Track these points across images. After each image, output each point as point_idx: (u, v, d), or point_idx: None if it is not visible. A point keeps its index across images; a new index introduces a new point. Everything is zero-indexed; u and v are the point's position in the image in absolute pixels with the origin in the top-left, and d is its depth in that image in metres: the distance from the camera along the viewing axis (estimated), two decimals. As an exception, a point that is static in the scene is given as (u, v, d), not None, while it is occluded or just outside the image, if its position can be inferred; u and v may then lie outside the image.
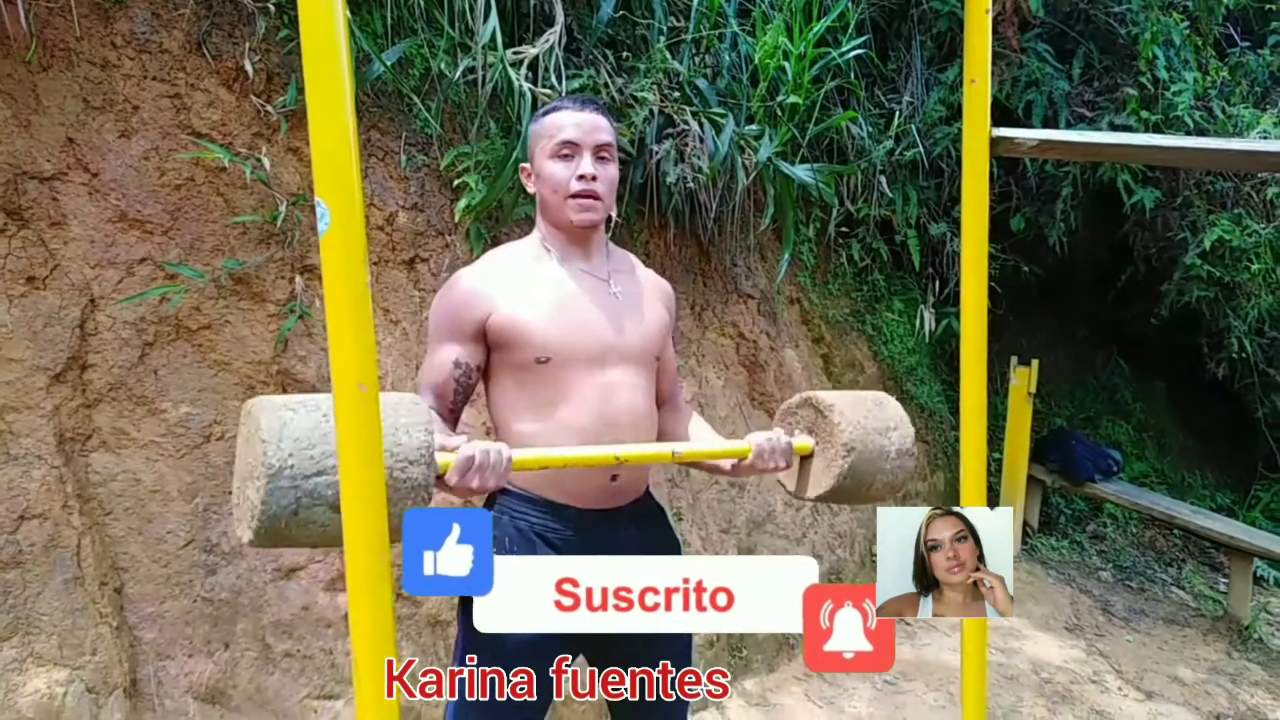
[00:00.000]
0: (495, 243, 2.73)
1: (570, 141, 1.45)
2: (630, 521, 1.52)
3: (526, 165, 1.55)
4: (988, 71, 1.84)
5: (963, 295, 1.84)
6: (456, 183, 2.59)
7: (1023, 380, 4.53)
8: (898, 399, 1.60)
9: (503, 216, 2.68)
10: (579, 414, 1.43)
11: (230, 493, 2.35)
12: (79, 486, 2.11)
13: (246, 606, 2.27)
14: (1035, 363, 4.55)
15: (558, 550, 1.45)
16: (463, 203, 2.54)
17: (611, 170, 1.50)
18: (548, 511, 1.46)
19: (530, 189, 1.54)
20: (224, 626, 2.24)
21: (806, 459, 1.49)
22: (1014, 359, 4.57)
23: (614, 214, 2.68)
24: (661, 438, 1.63)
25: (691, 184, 2.94)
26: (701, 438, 1.61)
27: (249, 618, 2.27)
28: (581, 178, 1.44)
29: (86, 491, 2.13)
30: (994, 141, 1.96)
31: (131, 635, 2.15)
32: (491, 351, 1.48)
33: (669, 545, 1.64)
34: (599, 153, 1.46)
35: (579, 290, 1.48)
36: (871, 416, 1.46)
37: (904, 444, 1.47)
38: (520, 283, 1.47)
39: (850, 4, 3.51)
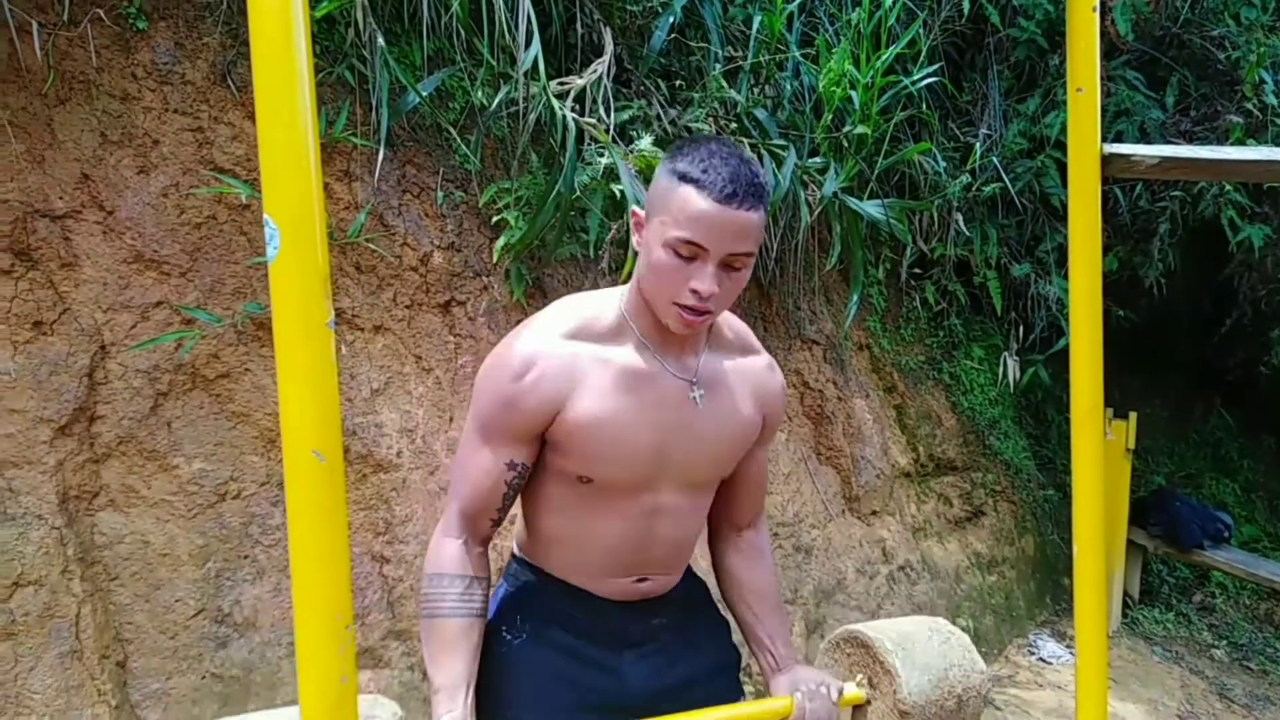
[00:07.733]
0: (536, 285, 2.52)
1: (696, 245, 1.09)
2: (664, 610, 1.34)
3: (638, 210, 1.19)
4: (1096, 79, 1.55)
5: (1072, 338, 1.54)
6: (495, 220, 2.40)
7: (1119, 435, 4.11)
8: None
9: (545, 256, 2.47)
10: (611, 532, 1.24)
11: (245, 556, 2.18)
12: (81, 549, 1.94)
13: (260, 684, 2.06)
14: (1133, 415, 4.13)
15: (576, 632, 1.29)
16: (501, 241, 2.35)
17: (741, 278, 1.14)
18: (569, 595, 1.30)
19: (635, 242, 1.20)
20: (235, 706, 2.03)
21: (859, 708, 1.30)
22: (1109, 411, 4.15)
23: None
24: (722, 574, 1.41)
25: (751, 221, 2.71)
26: (759, 614, 1.37)
27: (262, 696, 2.06)
28: (695, 292, 1.10)
29: (90, 555, 1.96)
30: (1105, 160, 1.66)
31: (133, 715, 1.95)
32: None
33: (711, 632, 1.40)
34: (731, 262, 1.11)
35: (650, 396, 1.18)
36: (943, 680, 1.26)
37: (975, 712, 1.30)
38: (592, 373, 1.17)
39: (921, 31, 3.27)
